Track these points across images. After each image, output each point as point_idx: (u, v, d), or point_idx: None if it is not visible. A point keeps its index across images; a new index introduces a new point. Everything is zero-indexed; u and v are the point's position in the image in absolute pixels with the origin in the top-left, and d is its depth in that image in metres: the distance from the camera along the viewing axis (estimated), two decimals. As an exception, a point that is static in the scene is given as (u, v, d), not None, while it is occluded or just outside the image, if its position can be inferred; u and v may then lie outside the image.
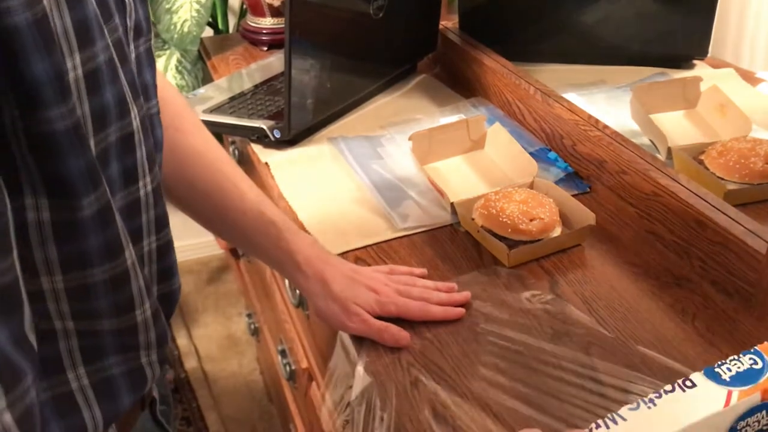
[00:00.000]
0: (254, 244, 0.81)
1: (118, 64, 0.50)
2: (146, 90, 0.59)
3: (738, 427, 0.53)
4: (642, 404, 0.53)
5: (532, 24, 1.31)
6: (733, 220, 0.79)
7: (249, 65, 1.44)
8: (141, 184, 0.55)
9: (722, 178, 0.91)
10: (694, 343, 0.73)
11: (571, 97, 1.10)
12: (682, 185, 0.85)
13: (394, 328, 0.74)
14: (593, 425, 0.52)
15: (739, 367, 0.55)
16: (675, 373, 0.68)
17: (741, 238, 0.76)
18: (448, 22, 1.38)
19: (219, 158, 0.80)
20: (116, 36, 0.51)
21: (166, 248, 0.62)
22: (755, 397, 0.53)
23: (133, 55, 0.56)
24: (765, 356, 0.56)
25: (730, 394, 0.53)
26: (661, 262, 0.85)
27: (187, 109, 0.79)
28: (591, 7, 1.30)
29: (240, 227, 0.80)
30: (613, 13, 1.30)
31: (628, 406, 0.53)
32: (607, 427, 0.52)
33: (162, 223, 0.60)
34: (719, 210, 0.80)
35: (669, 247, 0.86)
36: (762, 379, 0.54)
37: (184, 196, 0.78)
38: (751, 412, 0.54)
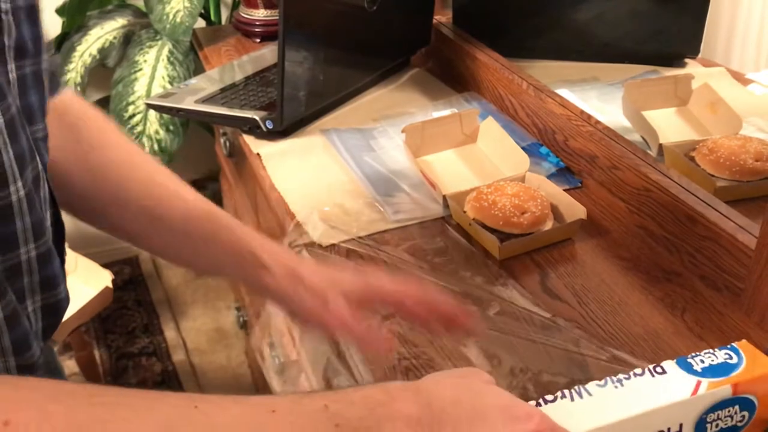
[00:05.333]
0: (206, 252, 0.71)
1: None
2: (30, 113, 0.56)
3: (708, 419, 0.53)
4: (609, 382, 0.53)
5: (526, 20, 1.32)
6: (723, 215, 0.79)
7: (241, 57, 1.44)
8: (13, 189, 0.52)
9: (713, 175, 0.91)
10: (684, 337, 0.73)
11: (564, 93, 1.10)
12: (672, 181, 0.86)
13: (378, 337, 0.67)
14: (559, 394, 0.52)
15: (713, 360, 0.55)
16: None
17: (731, 233, 0.77)
18: (442, 17, 1.38)
19: (153, 169, 0.72)
20: None
21: (46, 257, 0.56)
22: (725, 390, 0.54)
23: (12, 75, 0.53)
24: (741, 352, 0.56)
25: (698, 384, 0.53)
26: (651, 257, 0.85)
27: (108, 123, 0.73)
28: (584, 4, 1.31)
29: (187, 237, 0.70)
30: (607, 10, 1.30)
31: (596, 382, 0.53)
32: (572, 399, 0.52)
33: (39, 232, 0.55)
34: (709, 205, 0.81)
35: (659, 242, 0.86)
36: (734, 374, 0.54)
37: (117, 216, 0.71)
38: (722, 405, 0.54)
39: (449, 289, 0.80)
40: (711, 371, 0.54)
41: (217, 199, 1.60)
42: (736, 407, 0.54)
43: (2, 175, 0.50)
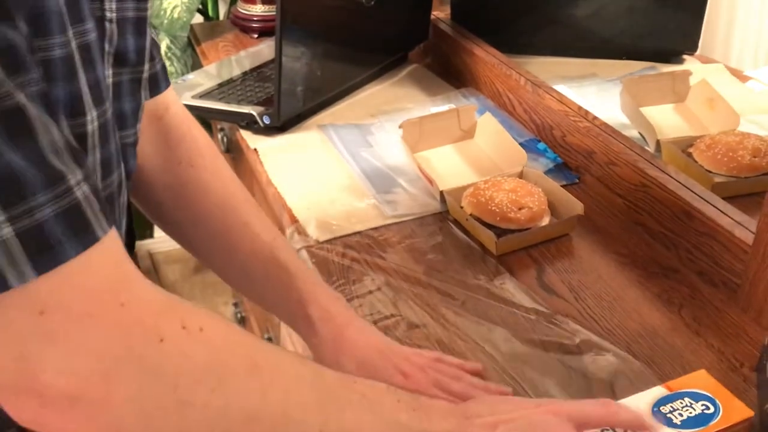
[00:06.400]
0: (262, 291, 0.72)
1: (78, 64, 0.48)
2: (122, 119, 0.58)
3: (663, 411, 0.55)
4: None
5: (524, 16, 1.32)
6: (721, 211, 0.79)
7: (239, 52, 1.44)
8: None
9: (710, 171, 0.91)
10: (681, 333, 0.73)
11: (562, 89, 1.10)
12: (670, 176, 0.86)
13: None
14: None
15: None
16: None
17: (728, 229, 0.76)
18: (440, 13, 1.38)
19: (233, 195, 0.72)
20: (84, 41, 0.49)
21: None
22: (657, 390, 0.57)
23: (109, 81, 0.55)
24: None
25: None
26: (649, 253, 0.85)
27: (207, 147, 0.73)
28: (583, 1, 1.31)
29: (247, 271, 0.71)
30: (605, 7, 1.30)
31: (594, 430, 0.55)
32: None
33: None
34: (707, 201, 0.81)
35: (656, 238, 0.86)
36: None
37: (188, 234, 0.72)
38: (666, 400, 0.56)
39: (446, 285, 0.80)
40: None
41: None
42: (686, 399, 0.56)
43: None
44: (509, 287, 0.79)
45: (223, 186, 0.71)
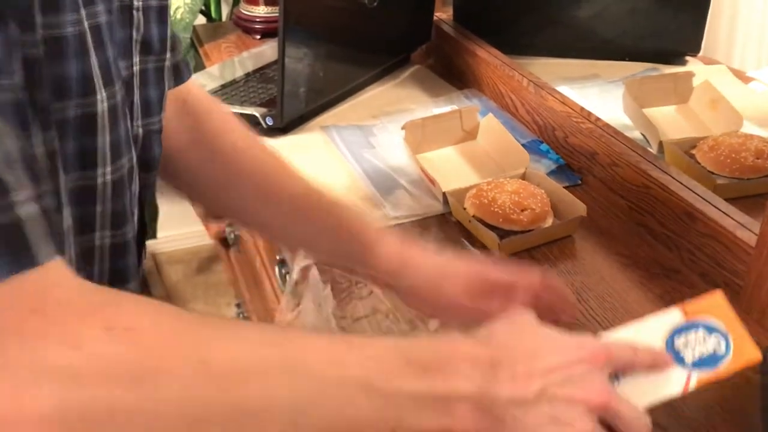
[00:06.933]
0: (308, 222, 0.70)
1: (90, 43, 0.48)
2: (148, 106, 0.59)
3: (677, 344, 0.54)
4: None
5: (527, 17, 1.32)
6: (723, 212, 0.79)
7: (241, 53, 1.44)
8: (100, 172, 0.53)
9: (713, 173, 0.91)
10: (683, 334, 0.73)
11: (564, 90, 1.10)
12: (672, 178, 0.86)
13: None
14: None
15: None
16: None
17: (730, 230, 0.76)
18: (443, 14, 1.38)
19: (267, 152, 0.74)
20: (95, 22, 0.49)
21: (120, 249, 0.57)
22: (675, 315, 0.55)
23: (135, 68, 0.56)
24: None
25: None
26: (651, 254, 0.85)
27: (234, 117, 0.76)
28: (585, 2, 1.31)
29: (291, 205, 0.70)
30: (607, 7, 1.30)
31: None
32: None
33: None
34: (709, 202, 0.81)
35: (659, 239, 0.86)
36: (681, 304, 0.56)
37: (226, 195, 0.72)
38: (682, 330, 0.55)
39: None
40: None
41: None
42: (701, 331, 0.55)
43: (93, 156, 0.51)
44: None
45: (253, 144, 0.73)
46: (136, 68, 0.57)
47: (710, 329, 0.55)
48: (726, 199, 0.82)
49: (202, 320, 0.45)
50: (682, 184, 0.84)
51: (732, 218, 0.78)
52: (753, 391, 0.65)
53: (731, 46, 1.33)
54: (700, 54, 1.26)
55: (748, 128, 0.99)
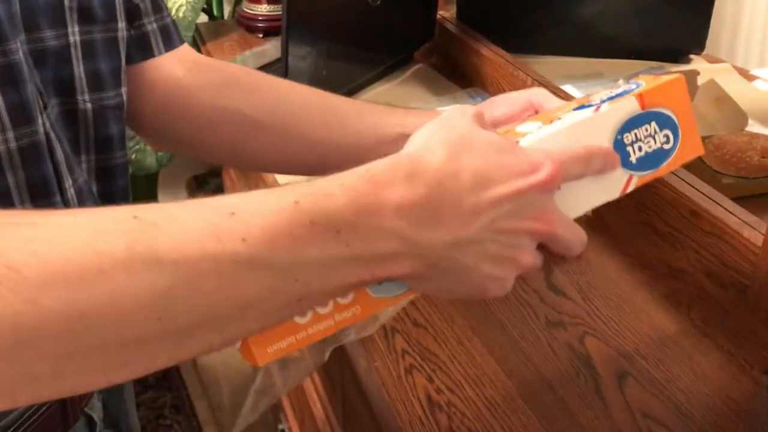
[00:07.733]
0: (325, 115, 0.76)
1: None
2: (97, 79, 0.56)
3: (625, 141, 0.50)
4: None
5: (530, 15, 1.31)
6: (729, 211, 0.79)
7: (244, 52, 1.44)
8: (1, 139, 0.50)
9: (718, 172, 0.91)
10: (689, 334, 0.73)
11: (568, 88, 1.09)
12: (678, 177, 0.85)
13: None
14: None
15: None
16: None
17: (736, 229, 0.76)
18: (446, 12, 1.37)
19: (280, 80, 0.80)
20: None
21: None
22: (630, 105, 0.50)
23: (73, 39, 0.53)
24: (642, 81, 0.53)
25: (598, 107, 0.50)
26: (656, 253, 0.84)
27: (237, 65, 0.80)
28: (589, 0, 1.30)
29: (304, 104, 0.77)
30: (611, 6, 1.30)
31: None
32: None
33: None
34: (715, 202, 0.80)
35: (664, 239, 0.86)
36: (637, 91, 0.51)
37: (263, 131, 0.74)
38: (634, 123, 0.50)
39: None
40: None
41: (220, 194, 1.59)
42: (652, 124, 0.50)
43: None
44: (516, 288, 0.79)
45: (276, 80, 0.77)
46: (74, 38, 0.54)
47: (662, 123, 0.51)
48: (732, 198, 0.81)
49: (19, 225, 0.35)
50: (687, 183, 0.84)
51: (738, 217, 0.78)
52: (760, 392, 0.65)
53: (735, 44, 1.32)
54: (704, 52, 1.26)
55: (754, 127, 0.99)
